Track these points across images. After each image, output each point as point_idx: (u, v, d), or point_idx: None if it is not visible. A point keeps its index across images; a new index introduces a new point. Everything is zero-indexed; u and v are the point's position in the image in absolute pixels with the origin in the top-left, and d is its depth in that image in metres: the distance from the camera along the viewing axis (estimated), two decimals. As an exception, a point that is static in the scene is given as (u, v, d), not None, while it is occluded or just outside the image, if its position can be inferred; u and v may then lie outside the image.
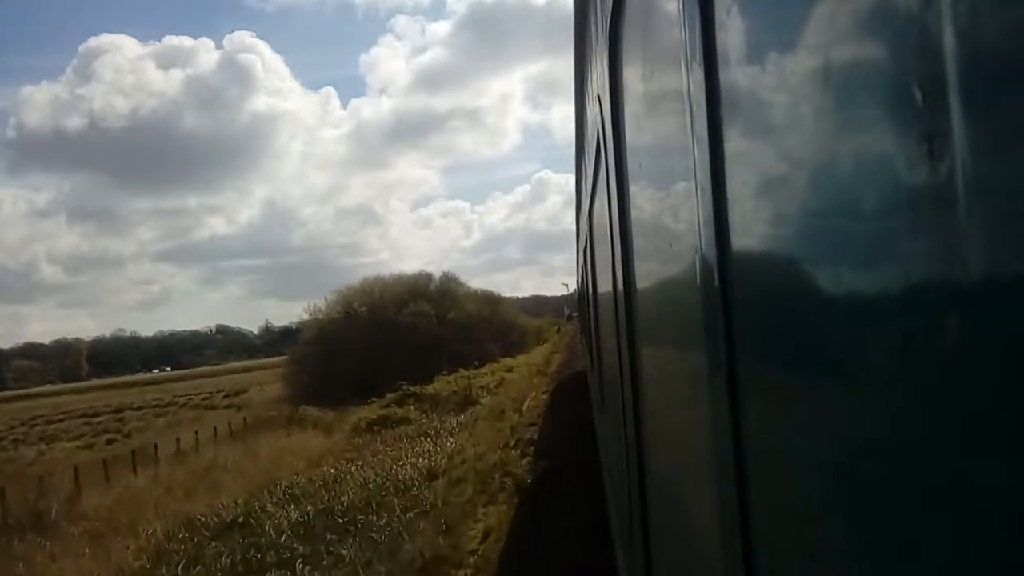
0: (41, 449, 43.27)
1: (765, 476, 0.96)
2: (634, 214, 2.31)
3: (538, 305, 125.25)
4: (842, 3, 0.66)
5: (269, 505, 14.63)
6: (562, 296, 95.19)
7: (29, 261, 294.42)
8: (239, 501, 15.67)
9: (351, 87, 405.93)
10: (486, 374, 39.98)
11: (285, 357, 66.28)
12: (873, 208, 0.61)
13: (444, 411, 27.72)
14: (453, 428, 22.32)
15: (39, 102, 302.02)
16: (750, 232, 0.99)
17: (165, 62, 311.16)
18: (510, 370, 40.89)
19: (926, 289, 0.53)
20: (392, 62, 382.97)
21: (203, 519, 14.57)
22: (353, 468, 17.44)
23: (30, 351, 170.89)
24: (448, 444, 18.84)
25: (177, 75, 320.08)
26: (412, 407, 29.75)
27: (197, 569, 11.60)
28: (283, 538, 12.08)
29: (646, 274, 2.13)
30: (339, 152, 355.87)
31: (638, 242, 2.26)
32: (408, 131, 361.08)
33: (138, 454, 26.76)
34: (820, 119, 0.71)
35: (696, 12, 1.06)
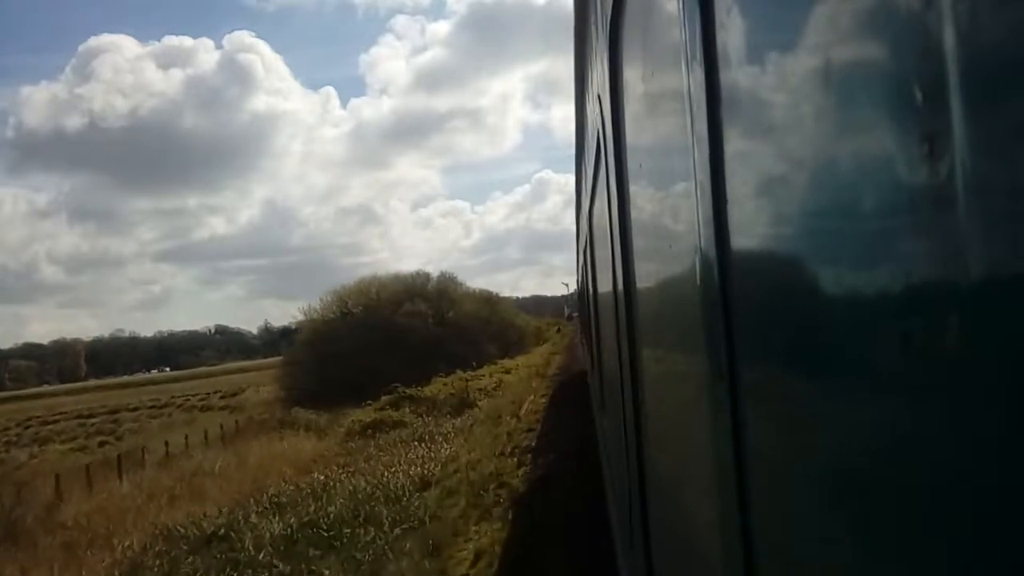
0: (33, 452, 42.91)
1: (765, 475, 0.96)
2: (634, 214, 2.31)
3: (538, 305, 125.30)
4: (842, 3, 0.66)
5: (253, 516, 13.99)
6: (562, 296, 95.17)
7: (29, 261, 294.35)
8: (223, 510, 15.14)
9: (351, 87, 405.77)
10: (484, 376, 39.57)
11: (280, 358, 65.69)
12: (873, 208, 0.61)
13: (440, 414, 27.25)
14: (449, 433, 21.75)
15: (39, 102, 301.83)
16: (750, 232, 0.99)
17: (165, 62, 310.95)
18: (508, 372, 40.46)
19: (926, 289, 0.53)
20: (392, 62, 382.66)
21: (182, 531, 13.99)
22: (343, 475, 16.93)
23: (29, 351, 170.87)
24: (443, 450, 18.30)
25: (177, 75, 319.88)
26: (408, 410, 29.19)
27: (170, 587, 11.17)
28: (262, 554, 11.46)
29: (646, 274, 2.13)
30: (339, 152, 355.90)
31: (638, 242, 2.26)
32: (408, 131, 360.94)
33: (127, 458, 26.41)
34: (820, 119, 0.71)
35: (696, 12, 1.06)
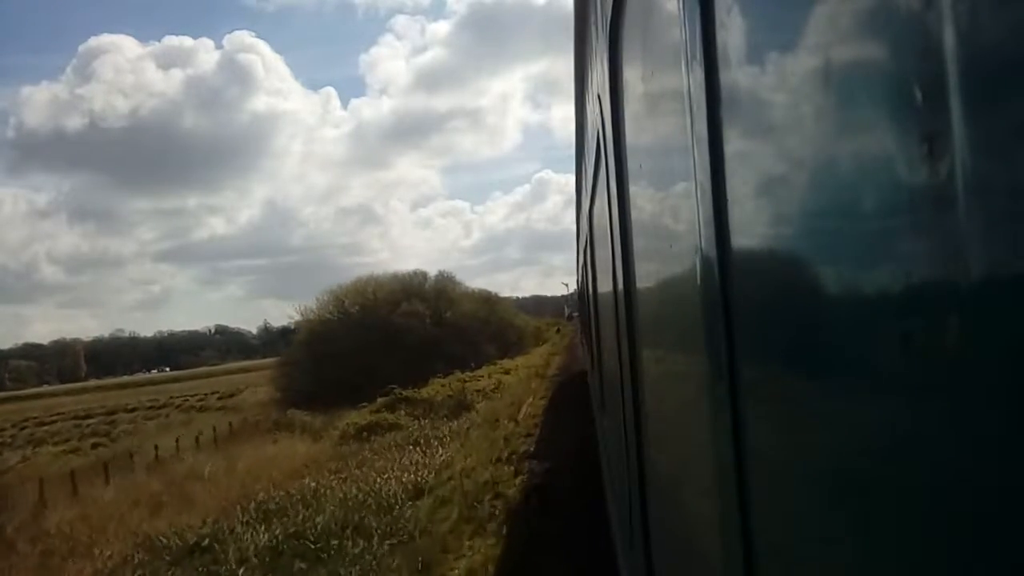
0: (26, 453, 42.34)
1: (765, 475, 0.96)
2: (634, 214, 2.31)
3: (538, 305, 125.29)
4: (842, 3, 0.66)
5: (239, 525, 13.40)
6: (562, 296, 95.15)
7: (29, 261, 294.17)
8: (208, 520, 14.68)
9: (351, 87, 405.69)
10: (482, 377, 39.19)
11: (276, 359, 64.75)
12: (873, 208, 0.61)
13: (437, 417, 26.68)
14: (445, 436, 21.13)
15: (39, 102, 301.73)
16: (750, 232, 0.99)
17: (165, 62, 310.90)
18: (507, 372, 40.14)
19: (926, 289, 0.53)
20: (392, 62, 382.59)
21: (164, 541, 13.44)
22: (335, 481, 16.48)
23: (29, 351, 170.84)
24: (438, 455, 17.83)
25: (177, 75, 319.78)
26: (403, 412, 28.67)
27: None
28: (243, 569, 11.02)
29: (646, 274, 2.14)
30: (339, 152, 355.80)
31: (638, 242, 2.26)
32: (408, 131, 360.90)
33: (118, 461, 25.93)
34: (820, 119, 0.71)
35: (696, 12, 1.06)
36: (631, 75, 2.15)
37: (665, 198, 1.67)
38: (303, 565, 10.79)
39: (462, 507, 11.90)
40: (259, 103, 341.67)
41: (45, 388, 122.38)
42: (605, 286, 4.39)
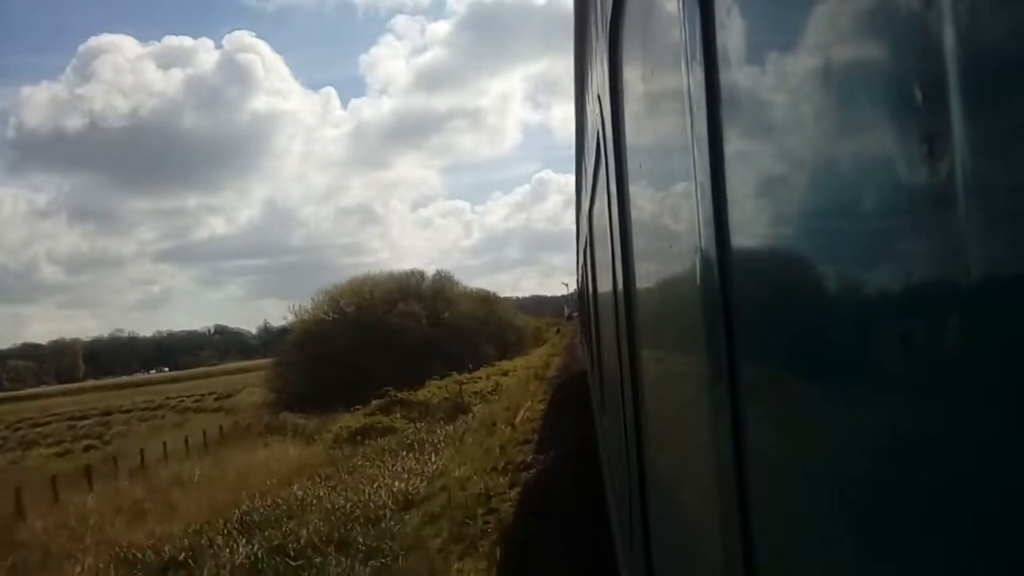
0: (15, 456, 42.06)
1: (765, 475, 0.96)
2: (634, 214, 2.31)
3: (538, 305, 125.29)
4: (842, 3, 0.66)
5: (219, 538, 12.90)
6: (562, 296, 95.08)
7: (29, 261, 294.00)
8: (189, 530, 14.22)
9: (351, 87, 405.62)
10: (480, 378, 38.85)
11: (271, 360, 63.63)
12: (873, 208, 0.61)
13: (433, 420, 26.24)
14: (440, 441, 20.75)
15: (39, 102, 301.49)
16: (750, 232, 0.99)
17: (165, 62, 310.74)
18: (506, 374, 39.72)
19: (926, 289, 0.53)
20: (392, 62, 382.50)
21: (140, 555, 12.89)
22: (323, 491, 16.00)
23: (27, 352, 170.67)
24: (431, 462, 17.40)
25: (177, 75, 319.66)
26: (399, 415, 28.22)
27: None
28: None
29: (646, 274, 2.14)
30: (339, 152, 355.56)
31: (638, 242, 2.26)
32: (408, 131, 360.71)
33: (105, 465, 25.35)
34: (820, 119, 0.71)
35: (696, 12, 1.06)
36: (631, 75, 2.15)
37: (665, 198, 1.67)
38: (281, 583, 10.29)
39: (452, 524, 11.31)
40: (259, 103, 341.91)
41: (43, 388, 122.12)
42: (605, 286, 4.39)
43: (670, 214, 1.56)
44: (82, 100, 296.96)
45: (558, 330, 74.22)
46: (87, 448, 43.98)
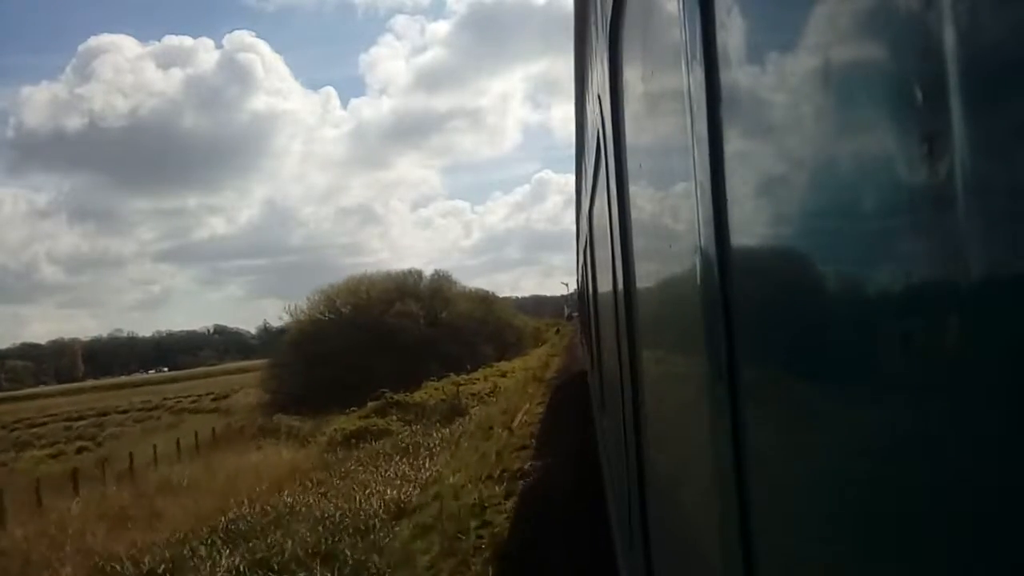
0: (8, 458, 41.56)
1: (764, 476, 0.96)
2: (634, 214, 2.32)
3: (538, 305, 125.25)
4: (842, 3, 0.66)
5: (202, 548, 12.44)
6: (562, 296, 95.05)
7: (29, 261, 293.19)
8: (172, 539, 13.85)
9: (351, 87, 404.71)
10: (478, 380, 38.50)
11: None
12: (873, 208, 0.61)
13: (429, 422, 25.90)
14: (435, 445, 20.39)
15: (39, 102, 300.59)
16: (750, 232, 0.99)
17: (165, 62, 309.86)
18: (504, 375, 39.43)
19: (926, 289, 0.53)
20: (392, 62, 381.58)
21: (118, 568, 12.38)
22: (312, 498, 15.56)
23: (26, 351, 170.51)
24: (425, 467, 17.10)
25: (177, 75, 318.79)
26: (394, 417, 27.92)
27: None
28: None
29: (646, 274, 2.14)
30: (339, 152, 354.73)
31: (638, 242, 2.26)
32: (408, 131, 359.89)
33: (95, 468, 25.03)
34: (820, 119, 0.71)
35: (696, 12, 1.06)
36: (631, 75, 2.15)
37: (665, 198, 1.67)
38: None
39: (444, 537, 10.76)
40: (259, 103, 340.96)
41: (42, 389, 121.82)
42: (605, 286, 4.39)
43: (670, 214, 1.56)
44: (82, 100, 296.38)
45: (557, 330, 73.95)
46: (80, 450, 43.63)
